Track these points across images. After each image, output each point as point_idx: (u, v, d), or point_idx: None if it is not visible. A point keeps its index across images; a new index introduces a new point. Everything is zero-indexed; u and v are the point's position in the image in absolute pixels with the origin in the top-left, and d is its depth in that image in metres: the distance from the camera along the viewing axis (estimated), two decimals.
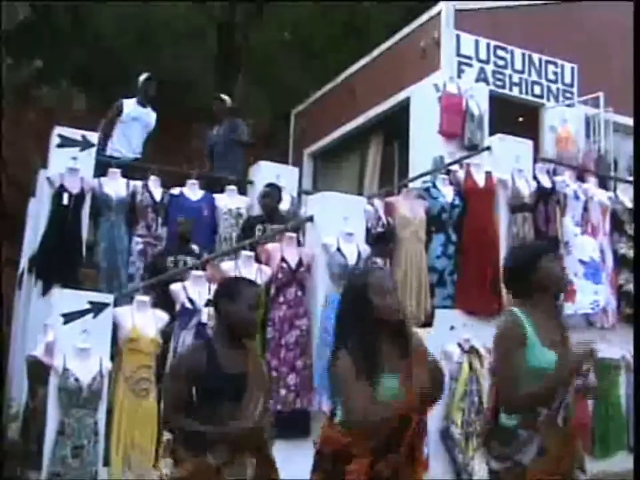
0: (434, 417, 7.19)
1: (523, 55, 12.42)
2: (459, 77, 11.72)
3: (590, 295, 8.64)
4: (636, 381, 3.76)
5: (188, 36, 16.95)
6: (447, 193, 8.81)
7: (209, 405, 3.72)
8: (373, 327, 3.60)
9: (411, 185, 9.35)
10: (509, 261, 3.98)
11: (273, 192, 8.82)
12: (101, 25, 15.71)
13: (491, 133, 10.55)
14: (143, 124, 9.75)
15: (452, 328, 8.01)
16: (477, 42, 12.08)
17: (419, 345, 3.69)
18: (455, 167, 9.49)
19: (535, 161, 9.50)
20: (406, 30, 12.89)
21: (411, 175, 10.66)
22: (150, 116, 9.86)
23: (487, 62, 12.14)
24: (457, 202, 8.76)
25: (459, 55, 11.93)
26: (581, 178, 9.90)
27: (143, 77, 9.89)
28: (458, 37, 11.94)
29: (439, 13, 12.06)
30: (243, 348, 3.89)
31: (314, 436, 7.05)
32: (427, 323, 8.07)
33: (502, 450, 3.69)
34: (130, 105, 9.72)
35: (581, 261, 8.87)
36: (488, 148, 9.41)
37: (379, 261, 8.05)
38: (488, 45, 12.16)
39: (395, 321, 3.64)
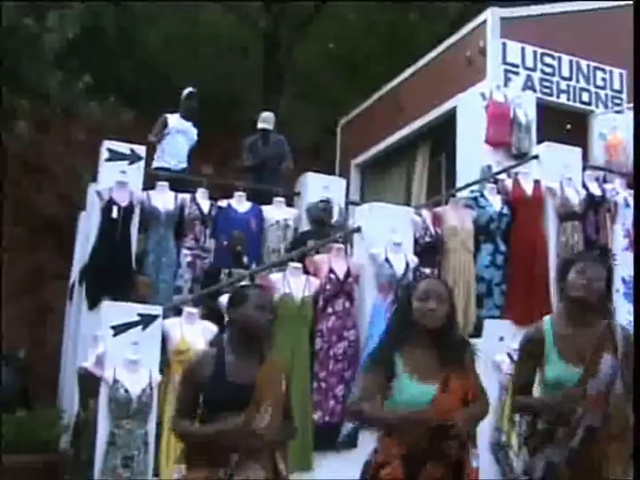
0: (484, 429, 7.09)
1: (571, 61, 12.30)
2: (505, 85, 11.61)
3: (624, 315, 8.41)
4: (636, 380, 3.68)
5: (234, 50, 17.11)
6: (495, 202, 8.74)
7: (212, 413, 3.69)
8: (409, 330, 3.61)
9: (458, 194, 9.28)
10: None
11: (329, 207, 8.88)
12: (148, 41, 15.94)
13: (539, 141, 10.42)
14: (187, 137, 9.88)
15: (501, 339, 7.91)
16: (523, 49, 12.00)
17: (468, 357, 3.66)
18: (502, 176, 9.40)
19: (584, 168, 9.39)
20: (451, 39, 12.86)
21: (459, 184, 10.58)
22: (192, 130, 9.98)
23: (534, 69, 12.05)
24: (505, 211, 8.68)
25: (505, 63, 11.85)
26: (631, 186, 9.75)
27: (186, 92, 10.03)
28: (504, 45, 11.86)
29: (484, 22, 12.02)
30: (256, 357, 3.80)
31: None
32: (475, 334, 8.00)
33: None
34: (174, 119, 9.83)
35: (623, 279, 8.71)
36: (536, 156, 9.32)
37: (427, 271, 8.01)
38: (534, 53, 12.07)
39: (432, 326, 3.58)
